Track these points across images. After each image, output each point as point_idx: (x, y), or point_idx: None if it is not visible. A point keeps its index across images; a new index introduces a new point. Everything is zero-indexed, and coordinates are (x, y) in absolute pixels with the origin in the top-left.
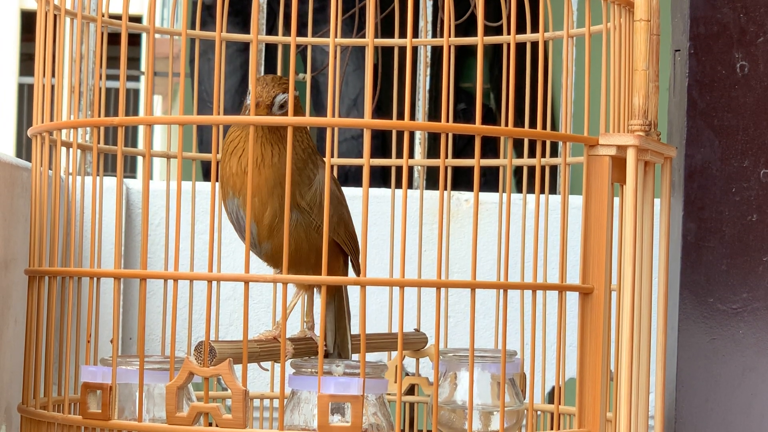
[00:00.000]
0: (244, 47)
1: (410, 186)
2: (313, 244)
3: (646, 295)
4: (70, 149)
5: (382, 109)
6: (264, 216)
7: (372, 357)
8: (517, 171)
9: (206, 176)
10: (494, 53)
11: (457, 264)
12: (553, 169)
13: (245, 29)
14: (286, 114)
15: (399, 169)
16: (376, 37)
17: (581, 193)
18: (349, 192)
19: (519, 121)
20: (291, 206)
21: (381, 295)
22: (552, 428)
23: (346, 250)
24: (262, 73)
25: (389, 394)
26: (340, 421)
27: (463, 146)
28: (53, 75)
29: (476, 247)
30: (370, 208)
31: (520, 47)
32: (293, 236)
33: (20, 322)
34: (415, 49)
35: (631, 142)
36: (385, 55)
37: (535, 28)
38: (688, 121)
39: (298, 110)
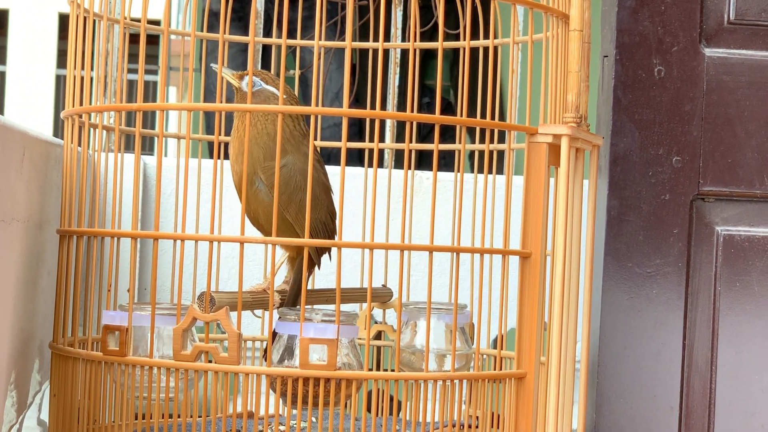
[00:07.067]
0: (245, 47)
1: (381, 166)
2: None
3: (575, 260)
4: (97, 130)
5: (360, 101)
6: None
7: (346, 307)
8: (471, 155)
9: (212, 154)
10: (454, 56)
11: (418, 231)
12: (500, 153)
13: (245, 32)
14: (254, 92)
15: (372, 151)
16: (354, 40)
17: (523, 173)
18: (329, 170)
19: (473, 113)
20: (252, 176)
21: (354, 256)
22: (495, 369)
23: (296, 227)
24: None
25: (360, 339)
26: (318, 360)
27: (426, 133)
28: (83, 68)
29: (434, 217)
30: (347, 184)
31: (475, 51)
32: (256, 202)
33: (52, 274)
34: (387, 51)
35: (565, 131)
36: (362, 56)
37: (487, 36)
38: (613, 116)
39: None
